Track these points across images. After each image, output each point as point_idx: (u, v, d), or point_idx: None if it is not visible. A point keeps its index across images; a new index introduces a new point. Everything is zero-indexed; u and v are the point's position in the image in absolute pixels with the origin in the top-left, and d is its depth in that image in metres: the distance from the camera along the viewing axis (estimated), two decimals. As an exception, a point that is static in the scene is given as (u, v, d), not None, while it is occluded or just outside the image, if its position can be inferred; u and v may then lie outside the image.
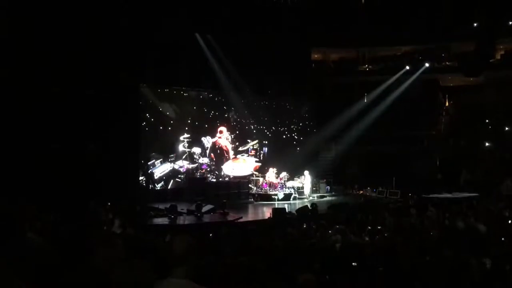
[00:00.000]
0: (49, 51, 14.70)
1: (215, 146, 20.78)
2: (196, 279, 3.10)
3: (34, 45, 14.52)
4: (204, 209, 14.98)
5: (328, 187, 21.48)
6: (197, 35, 19.58)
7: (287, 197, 19.16)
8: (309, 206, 15.72)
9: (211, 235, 9.99)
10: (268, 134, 22.72)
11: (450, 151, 24.13)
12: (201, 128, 20.43)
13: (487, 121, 24.38)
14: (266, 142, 22.50)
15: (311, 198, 19.56)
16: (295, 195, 19.58)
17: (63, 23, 14.82)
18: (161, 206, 15.30)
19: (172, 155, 19.52)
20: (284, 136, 23.35)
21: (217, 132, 20.95)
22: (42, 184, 13.30)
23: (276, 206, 17.07)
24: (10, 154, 13.87)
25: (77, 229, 4.06)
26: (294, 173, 20.84)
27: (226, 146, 21.06)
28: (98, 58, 15.74)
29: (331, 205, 16.90)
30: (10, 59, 14.89)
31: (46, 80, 15.20)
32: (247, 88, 21.38)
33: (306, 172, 19.71)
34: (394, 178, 21.57)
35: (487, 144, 23.75)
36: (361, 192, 22.13)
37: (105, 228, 9.76)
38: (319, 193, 20.60)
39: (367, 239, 9.44)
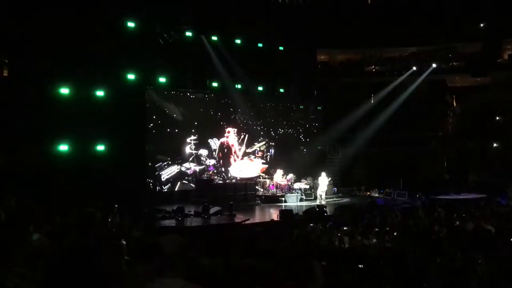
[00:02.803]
0: (58, 53, 14.78)
1: (223, 145, 20.79)
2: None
3: (44, 47, 14.61)
4: (211, 211, 14.98)
5: (335, 189, 21.42)
6: (203, 37, 19.62)
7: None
8: (316, 207, 15.70)
9: (218, 237, 10.00)
10: (275, 136, 22.71)
11: (458, 152, 24.04)
12: (208, 130, 20.44)
13: (494, 121, 24.26)
14: (273, 143, 22.49)
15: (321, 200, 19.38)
16: (302, 196, 19.54)
17: (70, 23, 14.89)
18: (168, 208, 15.33)
19: (179, 157, 19.55)
20: (290, 138, 23.32)
21: (224, 133, 20.95)
22: (51, 186, 13.39)
23: (284, 208, 17.03)
24: (20, 155, 13.98)
25: (83, 232, 4.08)
26: (301, 175, 20.82)
27: (233, 145, 21.06)
28: (105, 60, 15.81)
29: (338, 207, 16.86)
30: (20, 60, 15.06)
31: (55, 82, 15.35)
32: (253, 90, 21.44)
33: (323, 174, 19.36)
34: (401, 179, 21.50)
35: (494, 144, 23.63)
36: (368, 193, 22.06)
37: (113, 230, 9.79)
38: (326, 194, 20.53)
39: (374, 240, 9.43)
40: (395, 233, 10.36)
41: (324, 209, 15.60)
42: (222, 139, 20.80)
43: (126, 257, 3.55)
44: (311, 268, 6.00)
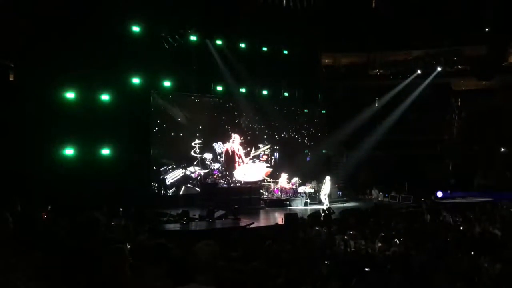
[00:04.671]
0: (64, 58, 14.84)
1: (228, 151, 20.77)
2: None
3: (50, 52, 14.67)
4: (216, 214, 14.97)
5: (340, 192, 21.37)
6: (207, 41, 19.66)
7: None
8: (321, 211, 15.66)
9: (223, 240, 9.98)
10: (279, 140, 22.68)
11: (463, 156, 23.94)
12: (213, 134, 20.45)
13: (500, 124, 24.16)
14: (277, 147, 22.47)
15: (326, 204, 19.31)
16: (306, 200, 19.51)
17: (75, 28, 14.94)
18: (173, 212, 15.33)
19: (184, 161, 19.55)
20: (295, 142, 23.29)
21: (229, 137, 20.93)
22: (56, 189, 13.43)
23: (288, 212, 16.99)
24: (26, 158, 14.03)
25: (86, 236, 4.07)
26: (306, 179, 20.79)
27: (238, 150, 21.05)
28: (110, 64, 15.86)
29: (343, 210, 16.81)
30: (26, 64, 15.14)
31: (60, 86, 15.42)
32: (257, 94, 21.46)
33: (328, 178, 19.39)
34: (406, 183, 21.43)
35: (500, 148, 23.53)
36: (373, 197, 22.02)
37: (117, 233, 9.80)
38: (330, 198, 20.45)
39: (380, 244, 9.38)
40: (401, 237, 10.32)
41: (329, 212, 15.54)
42: (228, 144, 20.75)
43: (130, 261, 3.55)
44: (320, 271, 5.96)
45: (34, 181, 13.45)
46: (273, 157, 22.07)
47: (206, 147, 20.10)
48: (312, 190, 20.09)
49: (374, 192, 22.08)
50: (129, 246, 4.19)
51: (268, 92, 21.93)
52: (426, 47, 24.44)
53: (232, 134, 20.87)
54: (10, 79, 15.59)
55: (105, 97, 16.45)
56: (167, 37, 18.11)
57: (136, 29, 17.31)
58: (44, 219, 10.04)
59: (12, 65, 15.55)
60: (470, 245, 8.90)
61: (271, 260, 7.90)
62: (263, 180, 20.90)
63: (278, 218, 15.76)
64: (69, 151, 15.45)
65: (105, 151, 16.46)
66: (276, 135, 22.62)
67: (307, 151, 23.57)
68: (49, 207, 12.05)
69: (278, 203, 19.41)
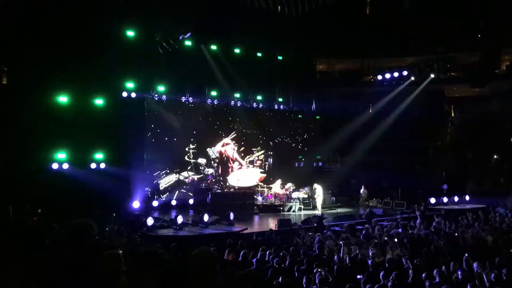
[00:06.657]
0: (57, 61, 14.80)
1: (222, 155, 20.76)
2: None
3: (43, 55, 14.63)
4: (209, 220, 14.93)
5: (334, 198, 21.36)
6: (202, 46, 19.67)
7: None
8: (313, 217, 15.65)
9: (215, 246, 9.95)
10: (273, 145, 22.67)
11: (456, 162, 24.04)
12: (207, 139, 20.42)
13: (492, 131, 24.31)
14: (271, 153, 22.46)
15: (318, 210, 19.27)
16: (300, 206, 19.48)
17: (69, 32, 14.91)
18: (166, 217, 15.27)
19: (178, 166, 19.51)
20: (289, 147, 23.30)
21: (223, 142, 20.92)
22: (49, 194, 13.36)
23: (282, 218, 16.97)
24: (18, 163, 13.96)
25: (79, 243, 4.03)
26: (300, 184, 20.78)
27: (233, 155, 21.05)
28: (104, 69, 15.82)
29: (336, 216, 16.81)
30: (19, 68, 15.10)
31: (53, 90, 15.37)
32: (252, 99, 21.48)
33: (319, 186, 19.39)
34: (400, 189, 21.46)
35: (493, 155, 23.66)
36: (367, 203, 22.02)
37: (110, 239, 9.75)
38: (324, 204, 20.44)
39: (373, 251, 9.40)
40: (394, 244, 10.34)
41: (321, 218, 15.53)
42: (221, 148, 20.76)
43: (123, 267, 3.52)
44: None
45: (27, 185, 13.38)
46: (267, 163, 22.07)
47: (200, 152, 20.07)
48: (306, 196, 20.06)
49: (363, 192, 22.07)
50: (121, 252, 4.15)
51: (262, 98, 21.92)
52: (419, 54, 24.57)
53: (226, 138, 20.91)
54: (3, 82, 15.55)
55: (99, 101, 16.42)
56: (161, 42, 18.10)
57: (130, 33, 17.30)
58: (35, 223, 9.99)
59: (6, 69, 15.51)
60: (463, 251, 8.94)
61: (265, 266, 7.89)
62: (256, 186, 20.88)
63: (272, 223, 15.73)
64: (61, 156, 15.39)
65: (99, 156, 16.40)
66: (270, 140, 22.60)
67: (301, 156, 23.58)
68: (39, 210, 11.98)
69: (272, 209, 19.37)
